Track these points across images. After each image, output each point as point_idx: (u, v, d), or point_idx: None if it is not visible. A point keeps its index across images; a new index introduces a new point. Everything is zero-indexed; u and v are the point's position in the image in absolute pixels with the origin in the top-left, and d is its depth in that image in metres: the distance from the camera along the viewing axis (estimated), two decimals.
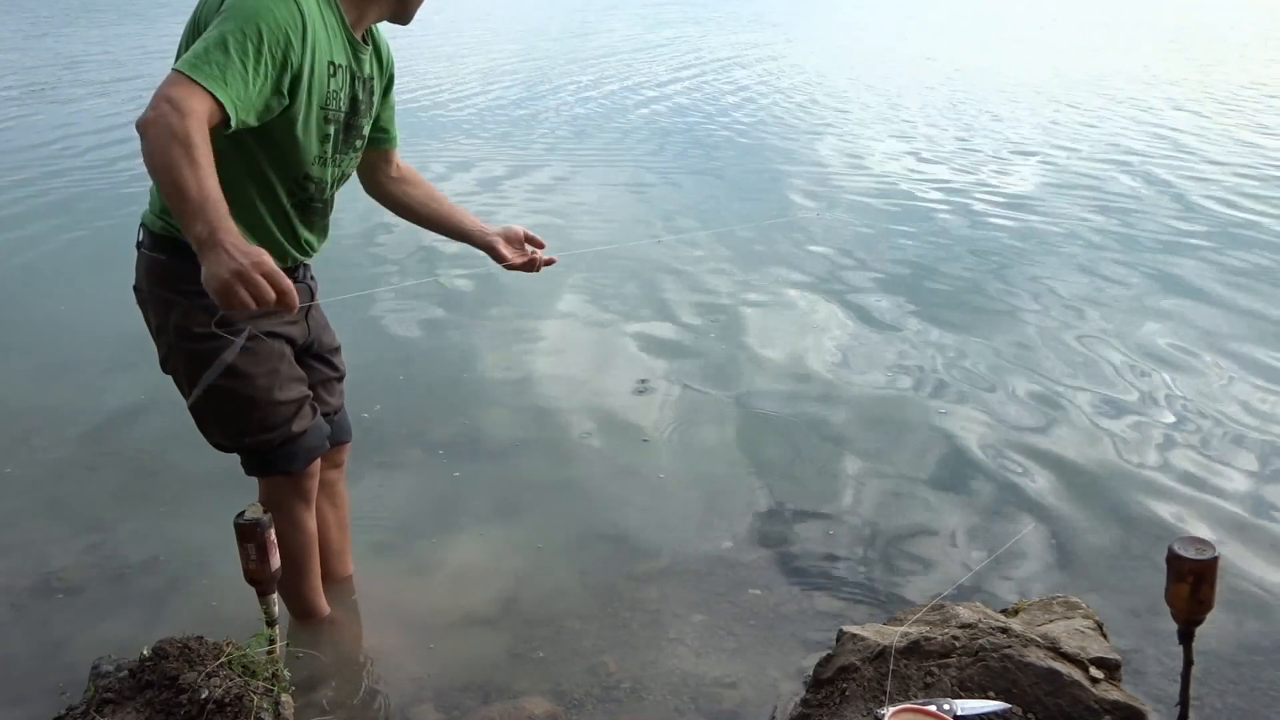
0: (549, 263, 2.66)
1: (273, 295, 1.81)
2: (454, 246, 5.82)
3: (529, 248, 2.66)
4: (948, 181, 8.09)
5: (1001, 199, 7.50)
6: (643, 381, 4.39)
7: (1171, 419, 3.96)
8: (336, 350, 2.63)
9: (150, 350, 2.35)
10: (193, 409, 2.38)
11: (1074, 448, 3.75)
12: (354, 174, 2.50)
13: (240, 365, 2.27)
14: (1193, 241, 6.38)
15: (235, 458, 2.44)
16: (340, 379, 2.65)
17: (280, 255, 2.31)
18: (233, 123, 1.95)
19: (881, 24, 22.75)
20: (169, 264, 2.24)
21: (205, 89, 1.89)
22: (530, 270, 2.65)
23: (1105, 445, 3.76)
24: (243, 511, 2.21)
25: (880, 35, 20.48)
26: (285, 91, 2.07)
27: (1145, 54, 16.27)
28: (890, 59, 16.31)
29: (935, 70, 14.66)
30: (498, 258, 2.60)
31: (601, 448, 3.83)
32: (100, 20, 22.94)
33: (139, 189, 7.63)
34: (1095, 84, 12.95)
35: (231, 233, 1.81)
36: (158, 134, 1.83)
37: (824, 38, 20.33)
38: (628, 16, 24.76)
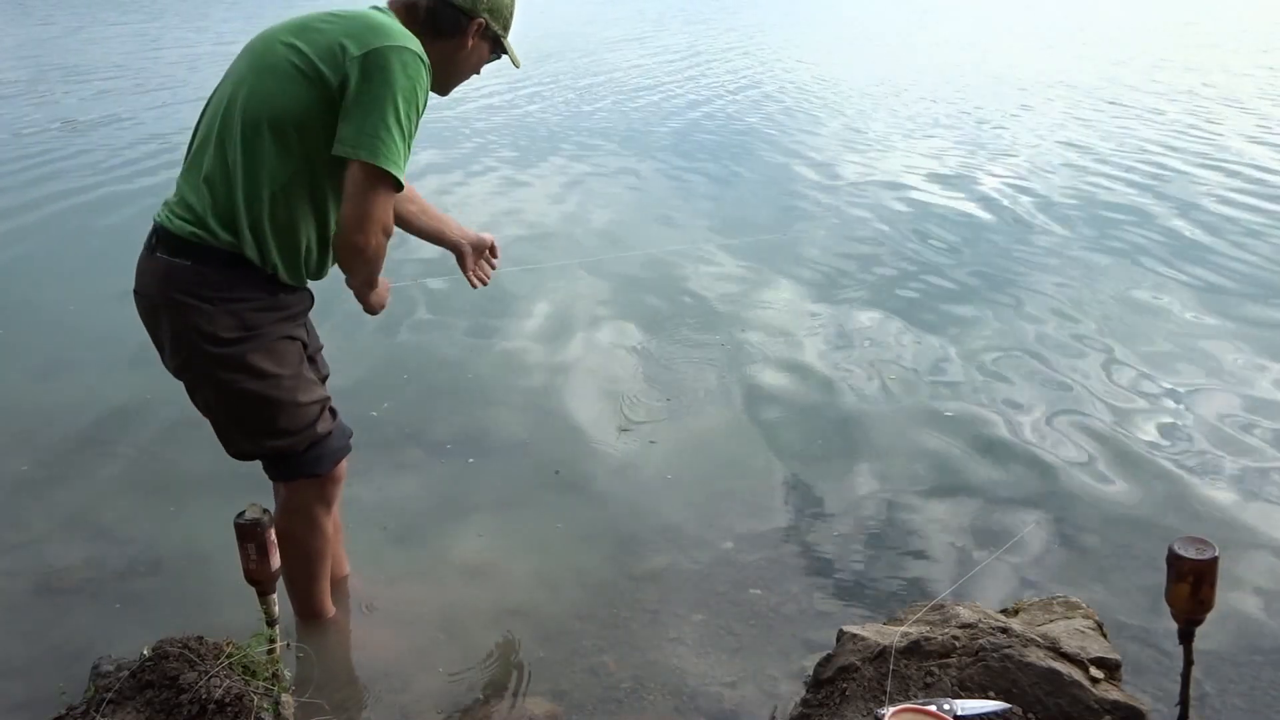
0: (483, 281, 2.78)
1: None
2: None
3: (483, 262, 2.77)
4: (950, 184, 8.09)
5: (1005, 200, 7.50)
6: (646, 384, 4.39)
7: (1172, 419, 3.96)
8: (320, 349, 2.62)
9: (152, 350, 2.34)
10: (214, 416, 2.35)
11: (1074, 448, 3.75)
12: None
13: (266, 366, 2.26)
14: (1197, 244, 6.38)
15: (236, 459, 2.43)
16: (325, 380, 2.62)
17: (297, 278, 2.32)
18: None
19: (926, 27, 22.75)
20: (194, 270, 2.19)
21: (395, 176, 2.13)
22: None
23: (1105, 445, 3.76)
24: (243, 511, 2.21)
25: (930, 38, 20.46)
26: None
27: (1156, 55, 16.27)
28: (917, 58, 16.30)
29: (955, 71, 14.65)
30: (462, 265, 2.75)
31: (604, 448, 3.83)
32: (106, 16, 22.96)
33: (140, 187, 7.67)
34: (1110, 86, 12.95)
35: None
36: (374, 262, 2.24)
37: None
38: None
